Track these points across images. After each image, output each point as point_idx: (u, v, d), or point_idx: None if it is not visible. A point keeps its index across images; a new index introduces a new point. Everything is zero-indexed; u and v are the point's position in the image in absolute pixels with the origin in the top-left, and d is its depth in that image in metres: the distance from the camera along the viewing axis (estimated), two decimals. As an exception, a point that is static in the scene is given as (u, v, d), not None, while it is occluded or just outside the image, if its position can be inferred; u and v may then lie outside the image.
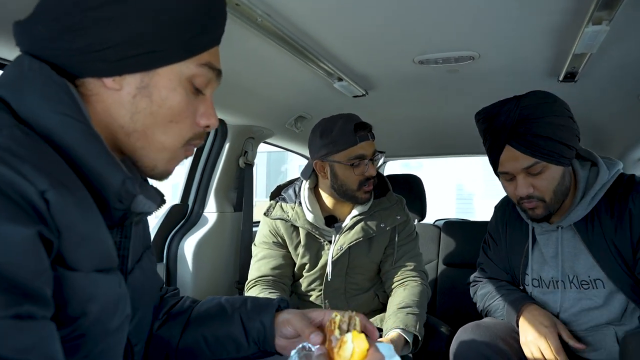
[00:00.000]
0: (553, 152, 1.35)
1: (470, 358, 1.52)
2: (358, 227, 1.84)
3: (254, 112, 2.14)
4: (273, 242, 1.89)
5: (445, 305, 2.75)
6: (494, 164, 1.47)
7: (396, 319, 1.69)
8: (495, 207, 1.81)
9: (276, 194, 1.96)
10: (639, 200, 1.38)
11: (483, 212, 16.97)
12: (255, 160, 2.39)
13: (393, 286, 1.88)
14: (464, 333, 1.58)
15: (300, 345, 1.00)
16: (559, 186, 1.40)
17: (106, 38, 0.71)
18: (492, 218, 1.80)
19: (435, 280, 2.81)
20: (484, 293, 1.73)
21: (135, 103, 0.75)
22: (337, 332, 0.86)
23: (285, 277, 1.90)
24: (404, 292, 1.81)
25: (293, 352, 0.97)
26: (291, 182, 2.00)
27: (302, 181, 1.94)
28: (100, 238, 0.69)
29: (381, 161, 1.86)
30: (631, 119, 2.10)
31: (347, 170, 1.75)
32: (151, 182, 0.87)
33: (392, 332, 1.64)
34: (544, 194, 1.40)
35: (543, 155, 1.35)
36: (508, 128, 1.37)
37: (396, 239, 1.90)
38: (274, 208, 1.90)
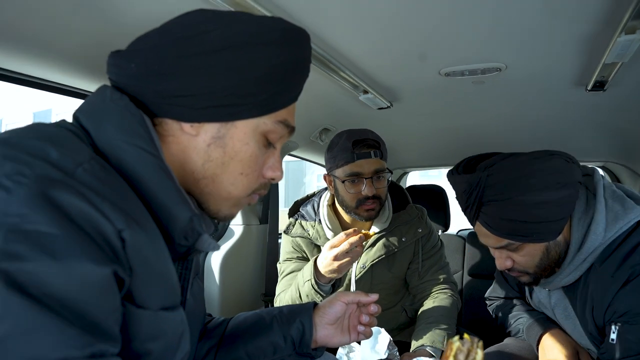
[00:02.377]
0: (530, 233, 1.15)
1: None
2: (379, 244, 1.83)
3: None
4: (297, 257, 1.88)
5: (471, 315, 2.72)
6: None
7: (424, 335, 1.68)
8: None
9: (294, 211, 1.94)
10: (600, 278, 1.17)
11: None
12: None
13: (422, 299, 1.86)
14: (489, 357, 1.53)
15: (348, 346, 1.03)
16: (542, 261, 1.22)
17: (192, 85, 0.73)
18: None
19: (461, 291, 2.78)
20: (503, 312, 1.70)
21: (209, 152, 0.77)
22: None
23: None
24: (433, 306, 1.80)
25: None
26: (309, 197, 1.99)
27: (320, 197, 1.92)
28: (169, 274, 0.71)
29: (388, 179, 1.78)
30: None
31: (345, 186, 1.73)
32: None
33: (420, 350, 1.63)
34: (526, 268, 1.24)
35: (517, 236, 1.17)
36: (474, 205, 1.18)
37: (420, 252, 1.88)
38: (293, 226, 1.88)
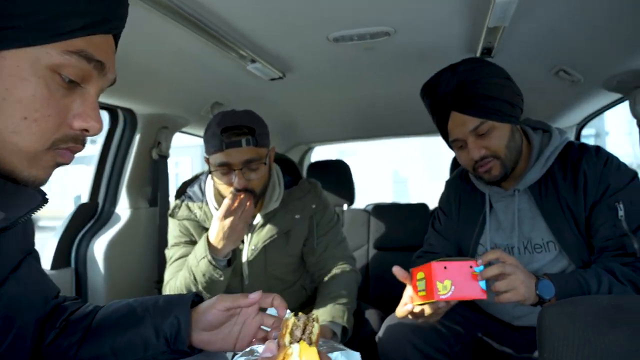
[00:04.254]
0: (497, 110, 1.36)
1: (396, 344, 1.50)
2: (271, 223, 1.72)
3: (166, 99, 1.99)
4: (186, 241, 1.74)
5: (377, 289, 2.73)
6: (444, 135, 1.48)
7: (324, 311, 1.61)
8: (447, 182, 1.78)
9: (182, 192, 1.80)
10: (592, 163, 1.39)
11: (418, 194, 17.43)
12: (185, 156, 2.23)
13: (320, 277, 1.80)
14: (392, 320, 1.56)
15: (249, 349, 0.92)
16: (510, 142, 1.41)
17: None
18: (443, 193, 1.77)
19: (367, 265, 2.78)
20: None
21: None
22: (287, 338, 0.76)
23: None
24: (332, 281, 1.74)
25: (239, 355, 0.90)
26: (196, 177, 1.85)
27: (207, 176, 1.80)
28: None
29: (255, 173, 1.57)
30: (547, 94, 2.12)
31: (215, 176, 1.61)
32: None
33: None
34: (497, 151, 1.40)
35: (488, 114, 1.36)
36: (449, 95, 1.39)
37: (315, 228, 1.80)
38: (179, 208, 1.74)
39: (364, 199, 2.92)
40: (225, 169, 1.56)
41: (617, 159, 1.41)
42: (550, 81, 1.96)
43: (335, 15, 1.43)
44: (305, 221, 1.78)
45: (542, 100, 2.18)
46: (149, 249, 2.14)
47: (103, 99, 1.67)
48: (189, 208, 1.73)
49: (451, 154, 1.79)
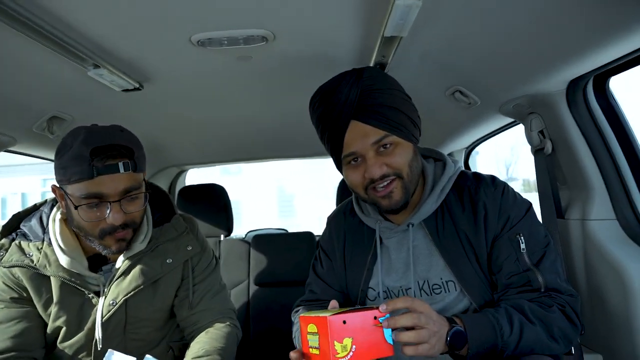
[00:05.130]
0: (401, 125, 1.24)
1: None
2: (136, 269, 1.37)
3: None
4: (11, 298, 1.32)
5: (259, 330, 2.43)
6: (337, 148, 1.28)
7: None
8: (329, 218, 1.56)
9: (12, 228, 1.38)
10: (491, 194, 1.29)
11: (304, 212, 17.43)
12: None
13: (193, 334, 1.46)
14: None
15: None
16: (413, 162, 1.27)
17: None
18: (325, 230, 1.55)
19: (247, 303, 2.47)
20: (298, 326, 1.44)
21: None
22: None
23: (35, 347, 1.34)
24: (205, 337, 1.40)
25: None
26: (36, 207, 1.44)
27: (51, 207, 1.40)
28: None
29: (140, 203, 1.32)
30: (440, 116, 2.00)
31: (80, 212, 1.25)
32: None
33: None
34: (400, 169, 1.25)
35: (392, 127, 1.23)
36: (352, 101, 1.23)
37: (191, 276, 1.47)
38: (7, 250, 1.32)
39: (249, 219, 2.63)
40: (96, 201, 1.22)
41: (512, 188, 1.32)
42: (444, 102, 1.82)
43: (198, 13, 1.14)
44: (179, 267, 1.45)
45: (434, 123, 2.06)
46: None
47: None
48: (21, 250, 1.31)
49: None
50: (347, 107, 1.23)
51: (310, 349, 1.03)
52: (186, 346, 1.49)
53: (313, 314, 1.05)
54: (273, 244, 2.56)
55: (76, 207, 1.23)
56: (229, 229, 2.51)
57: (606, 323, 1.48)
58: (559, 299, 1.20)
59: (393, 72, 1.51)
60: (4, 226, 1.38)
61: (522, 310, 1.16)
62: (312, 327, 1.02)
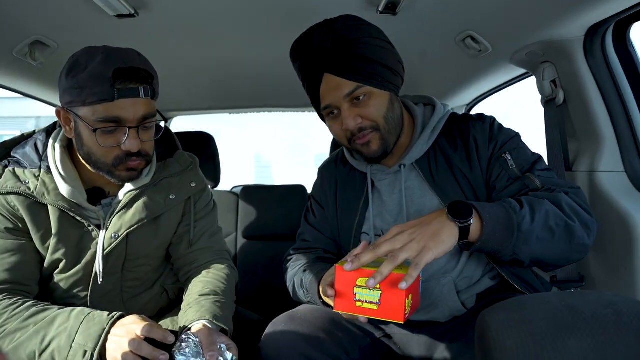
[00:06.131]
0: (375, 75, 1.22)
1: (284, 354, 1.20)
2: (139, 203, 1.30)
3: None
4: (6, 228, 1.22)
5: (248, 285, 2.38)
6: (315, 101, 1.29)
7: (200, 307, 1.22)
8: (320, 168, 1.57)
9: (3, 155, 1.28)
10: (480, 127, 1.31)
11: (282, 178, 17.35)
12: None
13: (191, 273, 1.41)
14: (277, 326, 1.27)
15: None
16: (389, 112, 1.26)
17: None
18: (316, 180, 1.56)
19: (235, 256, 2.41)
20: (294, 272, 1.42)
21: None
22: None
23: (30, 282, 1.25)
24: (207, 277, 1.35)
25: None
26: (28, 135, 1.34)
27: (48, 133, 1.31)
28: None
29: (158, 128, 1.30)
30: (445, 66, 1.93)
31: (96, 137, 1.17)
32: None
33: (197, 324, 1.16)
34: (375, 120, 1.25)
35: (365, 77, 1.22)
36: (323, 53, 1.22)
37: (192, 212, 1.42)
38: (0, 176, 1.23)
39: (225, 183, 2.55)
40: (113, 126, 1.15)
41: (499, 122, 1.35)
42: (453, 50, 1.75)
43: None
44: (181, 203, 1.40)
45: (436, 76, 1.99)
46: None
47: None
48: (16, 177, 1.22)
49: (316, 137, 1.52)
50: (319, 59, 1.22)
51: (356, 302, 0.99)
52: (181, 290, 1.44)
53: (368, 268, 0.98)
54: (263, 196, 2.49)
55: (95, 130, 1.14)
56: (216, 180, 2.42)
57: (612, 276, 1.47)
58: (561, 190, 1.17)
59: (403, 13, 1.46)
60: None
61: (524, 197, 1.13)
62: (360, 281, 0.98)
